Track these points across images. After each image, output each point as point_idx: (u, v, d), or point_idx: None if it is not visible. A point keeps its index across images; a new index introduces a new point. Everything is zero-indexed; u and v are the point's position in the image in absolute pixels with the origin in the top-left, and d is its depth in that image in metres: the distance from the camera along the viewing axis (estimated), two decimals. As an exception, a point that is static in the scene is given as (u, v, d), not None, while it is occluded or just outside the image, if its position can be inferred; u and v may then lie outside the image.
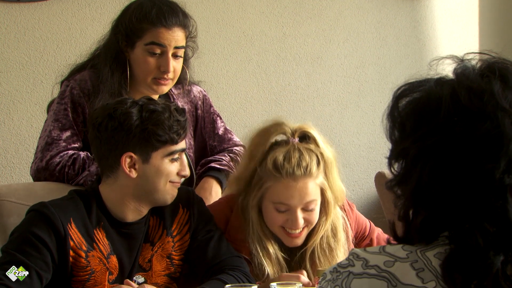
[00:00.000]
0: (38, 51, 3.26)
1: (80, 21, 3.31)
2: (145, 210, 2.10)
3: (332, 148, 2.22)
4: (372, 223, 2.43)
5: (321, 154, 2.16)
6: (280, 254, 2.21)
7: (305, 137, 2.19)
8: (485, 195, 1.08)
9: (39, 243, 1.93)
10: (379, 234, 2.40)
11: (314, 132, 2.20)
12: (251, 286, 1.96)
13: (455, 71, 1.18)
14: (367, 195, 3.84)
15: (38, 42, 3.26)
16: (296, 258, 2.25)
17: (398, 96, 1.19)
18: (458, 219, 1.09)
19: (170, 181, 2.06)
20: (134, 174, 2.03)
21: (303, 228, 2.18)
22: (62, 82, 2.51)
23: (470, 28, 4.08)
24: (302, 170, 2.11)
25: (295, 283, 1.93)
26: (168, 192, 2.07)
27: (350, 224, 2.33)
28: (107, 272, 2.03)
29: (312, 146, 2.16)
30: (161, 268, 2.13)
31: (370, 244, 2.36)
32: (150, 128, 1.99)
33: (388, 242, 1.15)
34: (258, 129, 2.23)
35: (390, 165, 1.18)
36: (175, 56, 2.43)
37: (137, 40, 2.41)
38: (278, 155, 2.13)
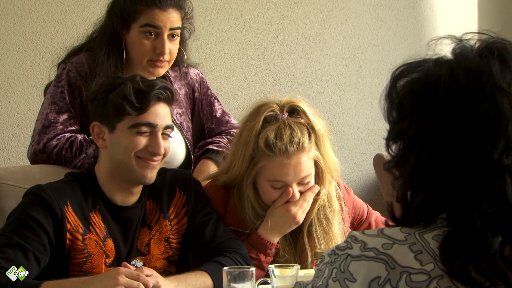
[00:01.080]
0: (35, 33, 3.25)
1: (77, 3, 3.29)
2: (135, 191, 2.09)
3: (323, 120, 2.22)
4: (369, 207, 2.42)
5: (312, 126, 2.16)
6: None
7: (293, 111, 2.18)
8: (484, 176, 1.08)
9: (36, 226, 1.93)
10: (377, 218, 2.39)
11: (302, 105, 2.19)
12: (249, 268, 1.96)
13: (454, 51, 1.17)
14: (366, 177, 3.84)
15: (35, 24, 3.25)
16: (294, 230, 2.24)
17: (396, 76, 1.18)
18: (456, 200, 1.09)
19: (137, 156, 2.02)
20: (102, 143, 2.04)
21: None
22: (59, 65, 2.50)
23: (469, 8, 4.06)
24: (294, 146, 2.10)
25: (293, 265, 1.93)
26: (136, 169, 2.02)
27: (347, 206, 2.33)
28: (104, 255, 2.03)
29: (302, 120, 2.16)
30: (159, 252, 2.12)
31: (369, 228, 2.36)
32: (111, 97, 2.00)
33: (386, 224, 1.15)
34: (247, 112, 2.22)
35: (387, 146, 1.18)
36: (171, 37, 2.41)
37: (132, 22, 2.40)
38: (269, 133, 2.12)
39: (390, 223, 1.15)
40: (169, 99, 2.05)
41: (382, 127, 1.21)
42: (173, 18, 2.40)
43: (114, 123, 2.02)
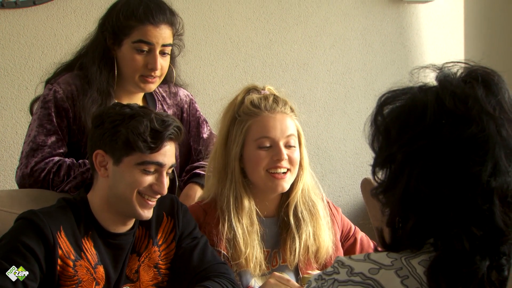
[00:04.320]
0: (23, 57, 3.25)
1: (66, 28, 3.30)
2: (129, 223, 2.08)
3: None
4: (356, 227, 2.45)
5: (292, 108, 2.24)
6: (255, 215, 2.21)
7: (271, 93, 2.26)
8: (473, 198, 1.09)
9: (27, 252, 1.91)
10: (362, 236, 2.42)
11: (275, 91, 2.29)
12: (237, 292, 1.95)
13: (438, 78, 1.19)
14: (353, 201, 3.84)
15: (23, 48, 3.25)
16: (281, 215, 2.25)
17: (382, 103, 1.20)
18: (446, 223, 1.10)
19: (139, 193, 2.00)
20: (104, 173, 2.01)
21: (287, 171, 2.20)
22: (46, 82, 2.49)
23: (455, 35, 4.10)
24: (280, 105, 2.20)
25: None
26: (136, 205, 2.01)
27: (337, 223, 2.35)
28: (94, 282, 2.01)
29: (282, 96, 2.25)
30: (148, 278, 2.11)
31: (354, 243, 2.38)
32: (123, 130, 1.98)
33: (375, 249, 1.15)
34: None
35: (374, 173, 1.19)
36: (162, 53, 2.42)
37: (124, 37, 2.39)
38: (254, 97, 2.21)
39: (380, 248, 1.15)
40: (179, 138, 2.05)
41: (370, 152, 1.22)
42: (165, 34, 2.41)
43: (121, 156, 1.99)
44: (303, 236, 2.22)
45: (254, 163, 2.19)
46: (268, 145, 2.18)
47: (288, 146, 2.20)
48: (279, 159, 2.17)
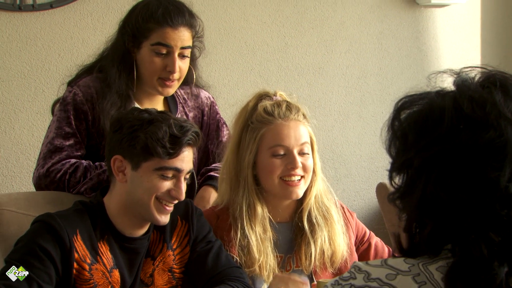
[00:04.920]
0: (40, 60, 3.27)
1: (82, 31, 3.32)
2: (144, 226, 2.08)
3: None
4: (371, 232, 2.44)
5: (304, 112, 2.24)
6: (268, 223, 2.20)
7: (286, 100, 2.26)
8: (491, 204, 1.09)
9: (44, 255, 1.91)
10: (377, 242, 2.41)
11: (287, 97, 2.28)
12: (251, 297, 1.95)
13: (456, 83, 1.19)
14: (368, 205, 3.83)
15: (40, 51, 3.27)
16: (295, 221, 2.25)
17: (399, 108, 1.19)
18: (463, 229, 1.09)
19: (157, 198, 2.01)
20: (122, 178, 2.01)
21: (300, 178, 2.20)
22: (68, 83, 2.50)
23: (472, 39, 4.08)
24: (293, 112, 2.20)
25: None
26: (154, 211, 2.01)
27: (351, 228, 2.34)
28: (109, 286, 2.01)
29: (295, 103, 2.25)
30: (163, 282, 2.11)
31: (369, 248, 2.37)
32: (141, 136, 1.98)
33: (393, 255, 1.15)
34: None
35: (391, 178, 1.18)
36: (181, 56, 2.41)
37: (143, 40, 2.40)
38: (267, 104, 2.21)
39: (396, 254, 1.15)
40: (197, 143, 2.06)
41: (385, 156, 1.22)
42: (184, 36, 2.40)
43: (139, 162, 1.99)
44: (318, 241, 2.22)
45: (268, 171, 2.19)
46: (282, 153, 2.18)
47: (301, 153, 2.20)
48: (294, 167, 2.17)
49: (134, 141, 1.98)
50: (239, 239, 2.17)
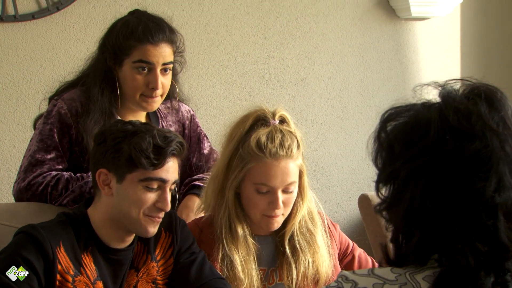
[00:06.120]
0: (22, 71, 3.25)
1: (64, 42, 3.31)
2: (129, 239, 2.08)
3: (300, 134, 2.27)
4: (354, 243, 2.44)
5: (300, 137, 2.19)
6: (250, 239, 2.20)
7: (284, 120, 2.21)
8: (477, 214, 1.09)
9: (27, 266, 1.90)
10: (360, 253, 2.41)
11: (289, 116, 2.23)
12: (235, 308, 1.94)
13: (441, 94, 1.20)
14: (350, 217, 3.84)
15: (22, 62, 3.25)
16: (277, 246, 2.24)
17: (386, 119, 1.20)
18: (450, 239, 1.10)
19: (145, 214, 2.00)
20: (108, 191, 2.00)
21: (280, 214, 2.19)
22: (50, 99, 2.49)
23: (452, 52, 4.12)
24: (284, 150, 2.13)
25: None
26: (143, 225, 2.00)
27: (335, 241, 2.34)
28: (93, 298, 2.01)
29: (291, 129, 2.19)
30: (146, 294, 2.10)
31: (352, 260, 2.37)
32: (125, 147, 1.98)
33: (380, 265, 1.15)
34: (237, 116, 2.25)
35: (377, 189, 1.19)
36: (163, 72, 2.42)
37: (124, 58, 2.40)
38: (261, 135, 2.14)
39: (384, 264, 1.16)
40: (181, 153, 2.04)
41: (367, 168, 1.23)
42: (165, 53, 2.40)
43: (123, 174, 1.98)
44: (302, 266, 2.21)
45: (250, 204, 2.18)
46: (265, 191, 2.16)
47: (286, 191, 2.17)
48: (275, 207, 2.16)
49: (118, 153, 1.97)
50: (222, 258, 2.16)
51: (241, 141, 2.17)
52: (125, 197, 1.99)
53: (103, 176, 2.00)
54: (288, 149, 2.14)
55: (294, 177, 2.16)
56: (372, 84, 3.93)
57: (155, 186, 2.00)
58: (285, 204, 2.17)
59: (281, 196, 2.15)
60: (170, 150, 1.99)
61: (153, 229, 2.03)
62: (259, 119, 2.19)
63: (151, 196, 2.00)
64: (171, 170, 2.02)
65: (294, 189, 2.18)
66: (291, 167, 2.15)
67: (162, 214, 2.03)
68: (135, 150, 1.95)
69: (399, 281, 1.10)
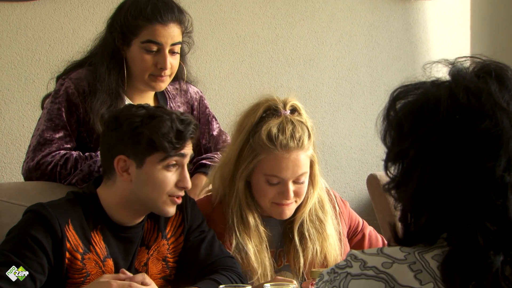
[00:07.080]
0: (30, 51, 3.25)
1: (73, 21, 3.30)
2: (140, 218, 2.09)
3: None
4: (364, 221, 2.45)
5: (311, 127, 2.19)
6: (261, 228, 2.21)
7: (295, 109, 2.20)
8: (486, 193, 1.09)
9: (36, 245, 1.92)
10: (371, 231, 2.42)
11: (300, 105, 2.22)
12: (244, 286, 1.95)
13: (451, 73, 1.19)
14: (359, 197, 3.84)
15: (30, 42, 3.25)
16: (285, 230, 2.24)
17: (395, 98, 1.20)
18: (459, 218, 1.10)
19: (168, 195, 2.02)
20: (127, 178, 2.01)
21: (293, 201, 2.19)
22: (57, 79, 2.49)
23: (461, 31, 4.09)
24: (295, 142, 2.13)
25: (289, 284, 1.93)
26: (165, 206, 2.03)
27: (344, 218, 2.34)
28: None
29: (302, 119, 2.18)
30: (157, 271, 2.12)
31: (363, 239, 2.38)
32: (145, 131, 1.98)
33: (389, 244, 1.15)
34: (248, 104, 2.24)
35: (386, 168, 1.19)
36: (172, 52, 2.41)
37: (133, 37, 2.39)
38: (272, 126, 2.13)
39: (393, 243, 1.16)
40: (196, 135, 2.07)
41: (375, 148, 1.23)
42: (174, 33, 2.40)
43: (143, 158, 1.99)
44: (309, 254, 2.21)
45: (261, 193, 2.19)
46: (276, 182, 2.16)
47: (297, 182, 2.17)
48: (285, 198, 2.16)
49: (137, 138, 1.98)
50: (236, 246, 2.17)
51: (252, 131, 2.16)
52: (147, 182, 2.00)
53: (122, 163, 2.00)
54: (299, 140, 2.13)
55: (305, 168, 2.16)
56: (381, 64, 3.91)
57: (173, 163, 2.00)
58: (296, 193, 2.17)
59: (291, 186, 2.15)
60: (189, 133, 2.00)
61: (173, 209, 2.06)
62: (269, 109, 2.17)
63: (172, 177, 2.01)
64: (187, 148, 2.04)
65: (305, 179, 2.18)
66: (302, 158, 2.15)
67: (183, 193, 2.05)
68: (157, 134, 1.96)
69: (408, 260, 1.10)
